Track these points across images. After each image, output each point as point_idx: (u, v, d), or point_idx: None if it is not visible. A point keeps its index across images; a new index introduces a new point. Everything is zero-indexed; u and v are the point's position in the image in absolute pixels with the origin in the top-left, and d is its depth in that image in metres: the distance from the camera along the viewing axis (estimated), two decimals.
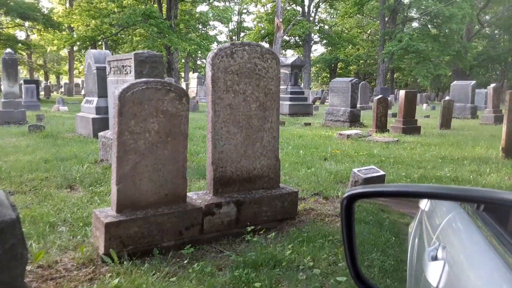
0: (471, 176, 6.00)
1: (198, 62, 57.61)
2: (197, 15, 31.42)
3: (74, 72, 48.56)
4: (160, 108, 3.33)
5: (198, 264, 2.98)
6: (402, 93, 12.10)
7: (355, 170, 4.98)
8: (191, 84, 37.32)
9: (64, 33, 33.29)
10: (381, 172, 5.05)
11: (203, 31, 35.15)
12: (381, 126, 11.86)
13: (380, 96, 12.24)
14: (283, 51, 55.75)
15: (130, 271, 2.89)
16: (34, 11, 25.65)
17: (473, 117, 18.51)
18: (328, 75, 56.67)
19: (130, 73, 5.86)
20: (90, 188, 5.01)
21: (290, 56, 21.38)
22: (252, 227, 3.73)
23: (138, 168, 3.29)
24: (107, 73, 6.66)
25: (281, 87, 17.78)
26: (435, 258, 1.11)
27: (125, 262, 3.01)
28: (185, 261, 3.09)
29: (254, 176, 4.03)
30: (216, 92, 3.70)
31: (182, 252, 3.29)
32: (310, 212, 4.39)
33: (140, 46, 29.30)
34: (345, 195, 1.09)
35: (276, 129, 4.14)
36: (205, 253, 3.37)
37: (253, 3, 51.06)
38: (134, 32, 33.16)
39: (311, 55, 60.38)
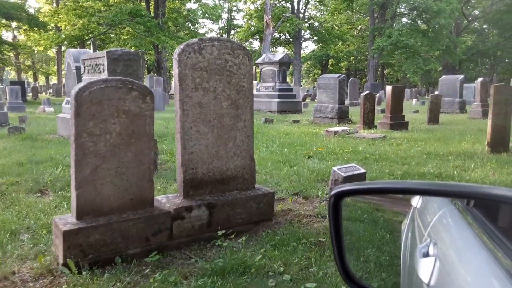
0: (455, 172, 5.87)
1: None
2: (184, 13, 31.08)
3: (63, 73, 48.09)
4: (122, 108, 3.14)
5: (161, 273, 2.81)
6: (389, 88, 11.99)
7: (335, 168, 4.83)
8: None
9: (51, 33, 32.86)
10: (362, 170, 4.91)
11: (192, 29, 34.80)
12: (369, 122, 11.74)
13: (367, 92, 12.11)
14: (274, 48, 55.61)
15: (88, 282, 2.72)
16: (18, 11, 25.20)
17: (461, 111, 18.47)
18: (320, 72, 56.54)
19: (103, 72, 5.66)
20: (60, 192, 4.82)
21: (280, 53, 21.20)
22: (224, 231, 3.56)
23: (99, 172, 3.10)
24: (81, 72, 6.46)
25: (269, 84, 17.70)
26: (426, 255, 1.11)
27: (83, 273, 2.83)
28: (147, 270, 2.91)
29: (228, 177, 3.86)
30: (184, 90, 3.53)
31: (149, 260, 3.11)
32: (288, 213, 4.23)
33: (127, 45, 28.96)
34: (332, 192, 1.09)
35: (250, 127, 3.97)
36: (173, 260, 3.20)
37: (242, 0, 50.75)
38: (121, 31, 32.81)
39: (302, 52, 60.35)
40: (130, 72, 5.67)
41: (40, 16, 33.28)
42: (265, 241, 3.40)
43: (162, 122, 12.83)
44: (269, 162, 6.62)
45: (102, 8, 30.48)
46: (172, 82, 43.74)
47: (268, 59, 17.89)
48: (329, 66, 57.64)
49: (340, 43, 52.49)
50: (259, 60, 18.80)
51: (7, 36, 44.04)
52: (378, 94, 24.90)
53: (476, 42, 48.53)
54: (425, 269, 1.05)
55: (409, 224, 1.62)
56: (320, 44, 51.51)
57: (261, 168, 6.18)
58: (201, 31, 57.46)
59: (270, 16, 34.81)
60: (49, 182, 5.18)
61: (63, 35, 32.81)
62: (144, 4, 31.90)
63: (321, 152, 7.67)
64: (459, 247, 1.06)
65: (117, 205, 3.21)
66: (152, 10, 31.21)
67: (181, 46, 3.55)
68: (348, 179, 4.71)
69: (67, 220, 3.10)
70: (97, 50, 39.81)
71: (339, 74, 14.53)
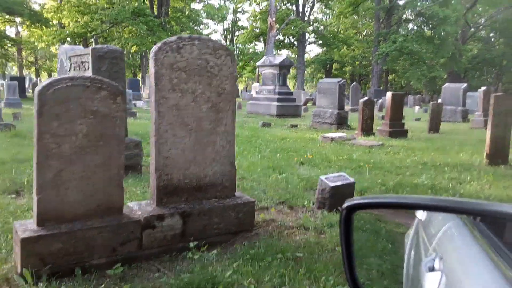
0: (450, 184, 5.64)
1: None
2: (187, 13, 30.94)
3: None
4: (90, 108, 2.94)
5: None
6: (389, 95, 11.77)
7: (322, 177, 4.62)
8: None
9: (54, 29, 32.74)
10: (351, 180, 4.69)
11: (196, 30, 34.63)
12: (367, 129, 11.51)
13: (366, 98, 11.90)
14: (278, 51, 55.42)
15: None
16: (20, 6, 25.10)
17: (464, 120, 18.20)
18: (323, 76, 56.27)
19: (88, 69, 5.48)
20: None
21: (280, 56, 20.99)
22: (197, 242, 3.35)
23: (62, 176, 2.91)
24: (67, 69, 6.28)
25: (269, 87, 17.51)
26: (432, 269, 1.11)
27: (40, 284, 2.63)
28: (108, 283, 2.71)
29: (206, 184, 3.66)
30: (160, 91, 3.33)
31: (111, 272, 2.91)
32: (270, 224, 4.02)
33: (129, 43, 28.86)
34: (344, 205, 1.10)
35: (231, 132, 3.76)
36: (140, 272, 2.99)
37: (248, 1, 50.63)
38: (124, 29, 32.66)
39: (307, 55, 60.11)
40: (116, 70, 5.49)
41: (43, 12, 33.18)
42: (240, 255, 3.19)
43: None
44: (259, 168, 6.41)
45: (106, 6, 30.36)
46: None
47: (268, 62, 17.69)
48: (333, 70, 57.38)
49: (344, 48, 52.27)
50: (259, 63, 18.62)
51: (11, 31, 44.06)
52: (380, 101, 24.67)
53: (482, 51, 48.18)
54: (431, 283, 1.05)
55: (413, 236, 1.61)
56: (325, 48, 51.26)
57: (250, 174, 5.98)
58: (205, 31, 57.45)
59: (274, 18, 34.61)
60: (26, 183, 4.98)
61: (66, 32, 32.72)
62: (147, 3, 31.75)
63: (315, 158, 7.46)
64: (467, 262, 1.04)
65: (82, 212, 3.01)
66: (156, 9, 31.10)
67: (158, 44, 3.36)
68: (335, 189, 4.50)
69: (28, 226, 2.91)
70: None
71: (339, 79, 14.32)
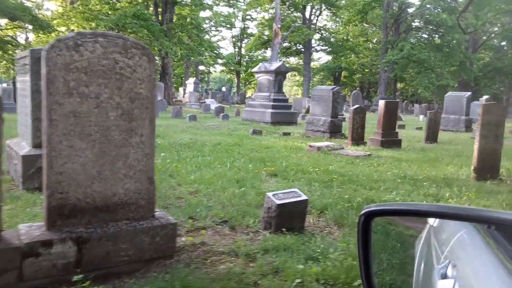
0: (424, 202, 5.08)
1: (201, 68, 56.89)
2: (188, 20, 30.65)
3: None
4: None
5: None
6: (381, 103, 11.18)
7: (270, 194, 4.10)
8: (188, 89, 36.68)
9: (61, 34, 32.74)
10: (303, 197, 4.16)
11: (200, 36, 34.28)
12: (358, 139, 10.95)
13: (357, 106, 11.34)
14: (286, 58, 54.92)
15: None
16: (22, 12, 25.02)
17: (467, 130, 17.49)
18: (332, 83, 55.66)
19: (28, 72, 5.06)
20: None
21: (276, 62, 20.54)
22: (94, 274, 2.86)
23: None
24: (16, 73, 5.87)
25: (264, 94, 17.04)
26: (444, 277, 1.09)
27: None
28: None
29: (115, 204, 3.17)
30: (52, 95, 2.86)
31: None
32: (198, 248, 3.51)
33: None
34: (363, 212, 1.14)
35: (149, 144, 3.27)
36: None
37: (254, 9, 50.40)
38: (129, 34, 32.52)
39: (316, 63, 59.53)
40: None
41: (48, 19, 33.21)
42: None
43: None
44: (222, 180, 5.91)
45: (110, 12, 30.24)
46: (181, 89, 43.40)
47: (264, 68, 17.21)
48: (342, 78, 56.73)
49: (353, 55, 51.66)
50: (255, 69, 18.17)
51: (22, 37, 44.27)
52: None
53: (492, 59, 47.17)
54: None
55: (424, 241, 1.57)
56: (332, 56, 50.72)
57: (207, 187, 5.47)
58: (213, 39, 57.22)
59: (280, 25, 34.24)
60: None
61: None
62: (152, 9, 31.54)
63: (289, 170, 6.93)
64: (481, 271, 1.03)
65: None
66: (160, 16, 30.86)
67: (52, 42, 2.89)
68: (282, 207, 3.98)
69: None
70: None
71: (333, 86, 13.80)
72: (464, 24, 32.36)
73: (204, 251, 3.46)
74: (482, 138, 6.46)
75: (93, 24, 31.07)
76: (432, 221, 1.61)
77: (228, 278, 2.96)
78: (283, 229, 3.90)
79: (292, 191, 4.26)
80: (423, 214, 1.25)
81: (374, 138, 11.12)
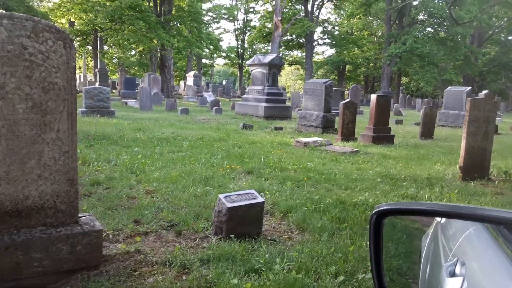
0: None
1: (204, 61, 56.44)
2: (185, 8, 30.15)
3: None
4: None
5: None
6: (373, 98, 10.74)
7: (221, 196, 3.72)
8: (188, 82, 36.27)
9: (60, 26, 32.40)
10: (259, 200, 3.78)
11: (197, 28, 33.78)
12: (348, 134, 10.53)
13: (347, 100, 10.91)
14: (288, 51, 54.30)
15: None
16: (15, 2, 24.69)
17: None
18: (337, 78, 55.03)
19: None
20: None
21: (270, 54, 20.09)
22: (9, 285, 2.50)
23: None
24: None
25: (258, 87, 16.60)
26: (453, 274, 1.08)
27: None
28: None
29: (28, 208, 2.80)
30: None
31: None
32: (131, 257, 3.14)
33: (128, 40, 28.28)
34: (375, 210, 1.13)
35: (68, 140, 2.89)
36: None
37: (255, 1, 49.83)
38: (128, 26, 32.10)
39: (320, 57, 58.86)
40: None
41: (49, 10, 32.93)
42: None
43: (125, 123, 11.88)
44: (188, 178, 5.53)
45: (107, 4, 29.82)
46: (181, 82, 42.93)
47: (258, 61, 16.76)
48: (346, 72, 56.06)
49: (356, 49, 50.97)
50: (249, 62, 17.73)
51: None
52: None
53: (498, 54, 46.36)
54: None
55: (431, 238, 1.56)
56: (335, 49, 50.09)
57: (167, 186, 5.10)
58: (216, 32, 56.69)
59: (280, 18, 33.69)
60: None
61: (79, 28, 32.45)
62: (150, 2, 31.10)
63: (265, 167, 6.55)
64: (490, 268, 1.01)
65: None
66: (159, 8, 30.43)
67: None
68: (233, 210, 3.60)
69: None
70: (104, 46, 39.36)
71: (326, 80, 13.35)
72: (468, 18, 31.66)
73: (136, 260, 3.09)
74: (469, 136, 6.03)
75: (91, 15, 30.77)
76: (439, 217, 1.59)
77: None
78: (232, 236, 3.51)
79: (247, 193, 3.88)
80: (437, 214, 1.25)
81: (365, 134, 10.70)
